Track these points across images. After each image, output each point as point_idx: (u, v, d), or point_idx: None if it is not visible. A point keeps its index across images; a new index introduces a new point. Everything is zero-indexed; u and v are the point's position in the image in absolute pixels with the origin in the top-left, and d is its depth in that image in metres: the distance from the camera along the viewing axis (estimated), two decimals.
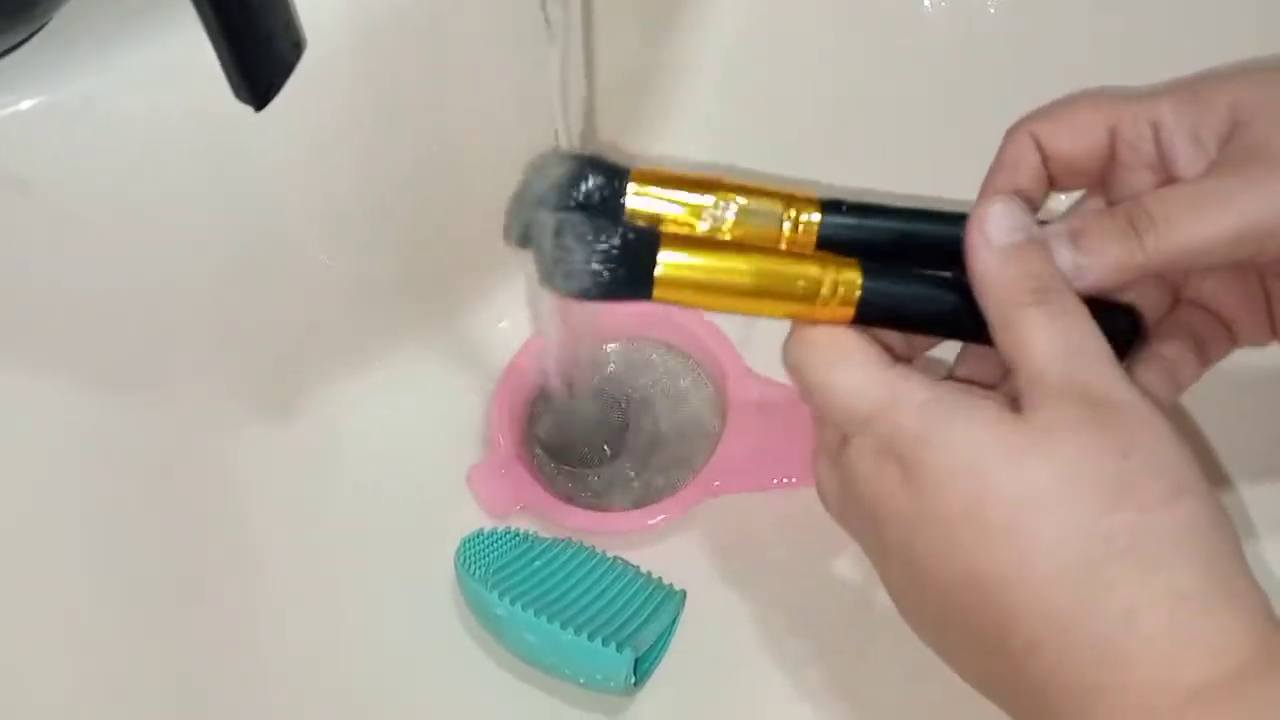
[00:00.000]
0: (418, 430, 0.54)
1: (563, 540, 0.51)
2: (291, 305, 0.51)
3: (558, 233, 0.33)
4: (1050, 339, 0.31)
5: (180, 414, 0.49)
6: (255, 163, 0.46)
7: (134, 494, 0.47)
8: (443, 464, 0.53)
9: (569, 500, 0.52)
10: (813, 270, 0.33)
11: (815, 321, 0.34)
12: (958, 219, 0.35)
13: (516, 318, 0.55)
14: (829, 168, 0.48)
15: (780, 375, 0.51)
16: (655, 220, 0.34)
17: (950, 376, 0.37)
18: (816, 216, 0.35)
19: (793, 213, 0.34)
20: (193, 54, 0.37)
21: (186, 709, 0.45)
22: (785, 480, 0.50)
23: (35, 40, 0.42)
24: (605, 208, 0.34)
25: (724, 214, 0.34)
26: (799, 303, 0.34)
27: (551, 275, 0.33)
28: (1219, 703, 0.27)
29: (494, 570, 0.47)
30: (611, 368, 0.56)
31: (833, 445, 0.34)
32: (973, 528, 0.30)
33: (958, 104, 0.54)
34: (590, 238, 0.32)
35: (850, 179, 0.45)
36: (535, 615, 0.45)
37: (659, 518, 0.51)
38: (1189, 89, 0.34)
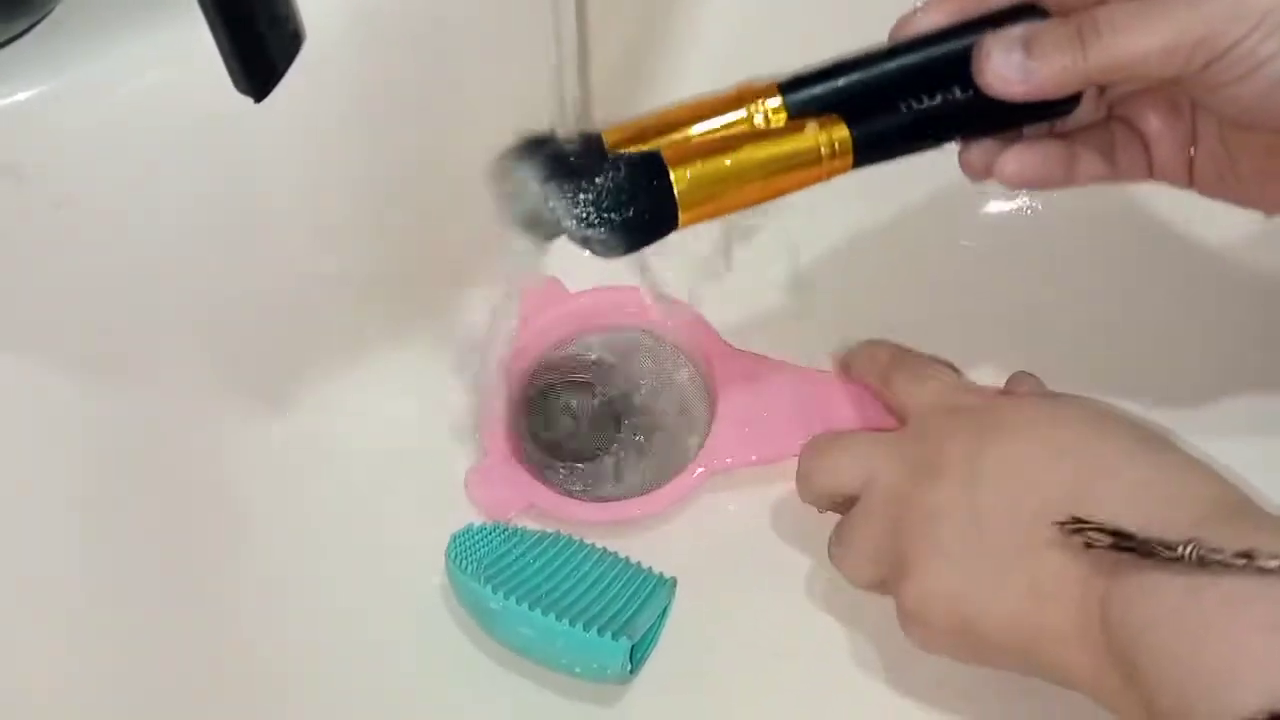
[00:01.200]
0: (410, 426, 0.53)
1: (550, 533, 0.50)
2: (287, 300, 0.51)
3: (567, 198, 0.36)
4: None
5: (174, 410, 0.49)
6: (254, 154, 0.46)
7: (126, 489, 0.47)
8: (435, 460, 0.53)
9: (569, 495, 0.52)
10: (807, 138, 0.37)
11: (824, 178, 0.38)
12: (908, 48, 0.39)
13: (511, 314, 0.55)
14: None
15: (758, 347, 0.51)
16: None
17: None
18: (778, 100, 0.38)
19: (757, 106, 0.38)
20: (193, 44, 0.37)
21: (177, 703, 0.45)
22: (784, 451, 0.49)
23: (37, 30, 0.42)
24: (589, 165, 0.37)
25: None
26: (806, 170, 0.37)
27: (589, 244, 0.37)
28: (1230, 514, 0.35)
29: (485, 565, 0.47)
30: (595, 359, 0.56)
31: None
32: (1052, 414, 0.40)
33: None
34: (601, 184, 0.36)
35: None
36: (530, 608, 0.45)
37: (667, 503, 0.50)
38: None
